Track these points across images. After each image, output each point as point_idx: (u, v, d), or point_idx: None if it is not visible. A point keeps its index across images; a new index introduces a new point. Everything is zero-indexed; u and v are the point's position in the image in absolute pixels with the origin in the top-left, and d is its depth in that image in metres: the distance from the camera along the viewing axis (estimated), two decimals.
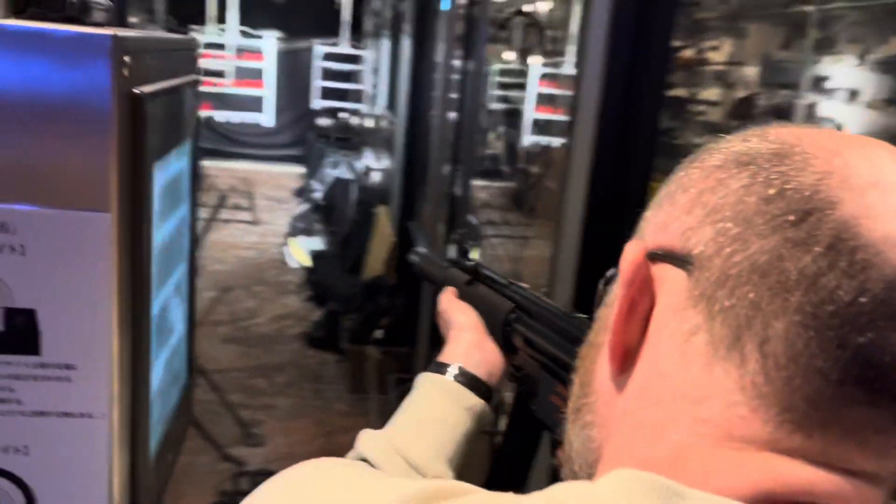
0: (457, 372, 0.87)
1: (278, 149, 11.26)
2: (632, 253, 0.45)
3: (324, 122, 10.11)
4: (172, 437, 0.81)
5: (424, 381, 0.88)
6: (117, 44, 0.54)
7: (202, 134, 10.00)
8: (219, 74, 8.30)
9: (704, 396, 0.40)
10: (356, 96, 10.15)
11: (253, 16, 10.33)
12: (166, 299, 0.75)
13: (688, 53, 5.25)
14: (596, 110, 1.90)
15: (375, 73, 8.28)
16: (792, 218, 0.38)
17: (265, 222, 8.42)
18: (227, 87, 6.71)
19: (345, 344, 4.73)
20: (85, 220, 0.54)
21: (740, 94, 5.08)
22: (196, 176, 0.86)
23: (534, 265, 5.32)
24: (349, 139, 9.50)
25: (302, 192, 7.88)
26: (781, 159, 0.41)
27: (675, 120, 5.23)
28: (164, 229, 0.71)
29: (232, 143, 11.11)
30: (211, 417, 4.09)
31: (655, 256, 0.44)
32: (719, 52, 5.21)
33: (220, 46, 7.64)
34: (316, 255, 6.21)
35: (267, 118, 6.37)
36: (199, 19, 9.19)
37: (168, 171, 0.69)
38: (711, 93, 5.29)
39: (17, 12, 0.58)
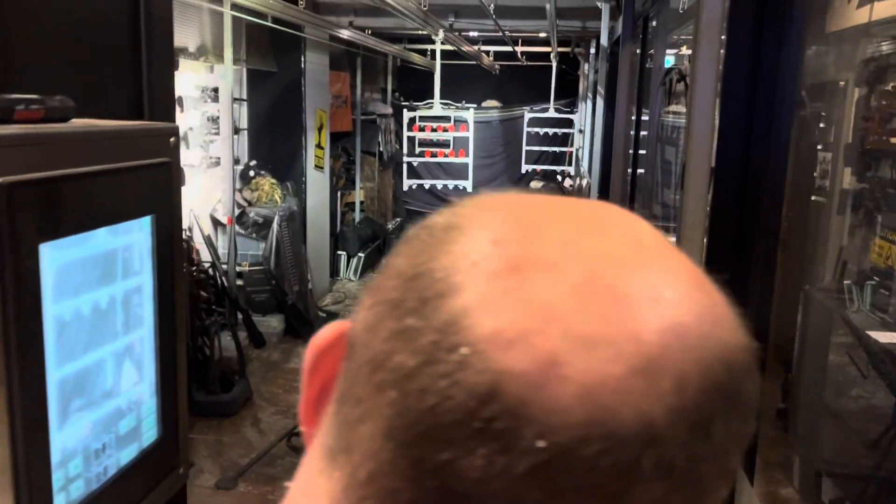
0: None
1: None
2: (321, 334, 0.38)
3: (536, 184, 10.31)
4: (119, 496, 0.87)
5: None
6: None
7: (422, 198, 10.57)
8: (439, 145, 8.86)
9: None
10: (570, 159, 10.24)
11: (472, 88, 10.92)
12: (96, 364, 0.82)
13: None
14: (707, 159, 1.78)
15: (581, 134, 8.32)
16: (414, 304, 0.31)
17: None
18: (435, 157, 7.12)
19: None
20: None
21: None
22: (166, 247, 0.93)
23: None
24: None
25: None
26: (444, 233, 0.34)
27: None
28: (82, 301, 0.78)
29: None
30: None
31: None
32: None
33: (440, 119, 8.09)
34: None
35: (469, 183, 6.66)
36: (424, 95, 9.91)
37: (86, 247, 0.78)
38: None
39: None
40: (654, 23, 3.58)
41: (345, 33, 7.07)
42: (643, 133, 3.93)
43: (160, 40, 1.13)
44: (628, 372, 0.28)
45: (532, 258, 0.31)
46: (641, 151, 3.96)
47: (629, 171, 4.05)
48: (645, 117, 3.91)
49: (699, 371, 0.30)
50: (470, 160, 6.66)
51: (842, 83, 6.24)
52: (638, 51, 3.90)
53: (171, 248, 0.93)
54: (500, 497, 0.28)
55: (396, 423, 0.30)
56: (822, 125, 5.41)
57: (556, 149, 10.13)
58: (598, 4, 5.54)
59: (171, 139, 0.96)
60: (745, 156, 1.80)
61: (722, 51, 1.78)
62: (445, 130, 6.57)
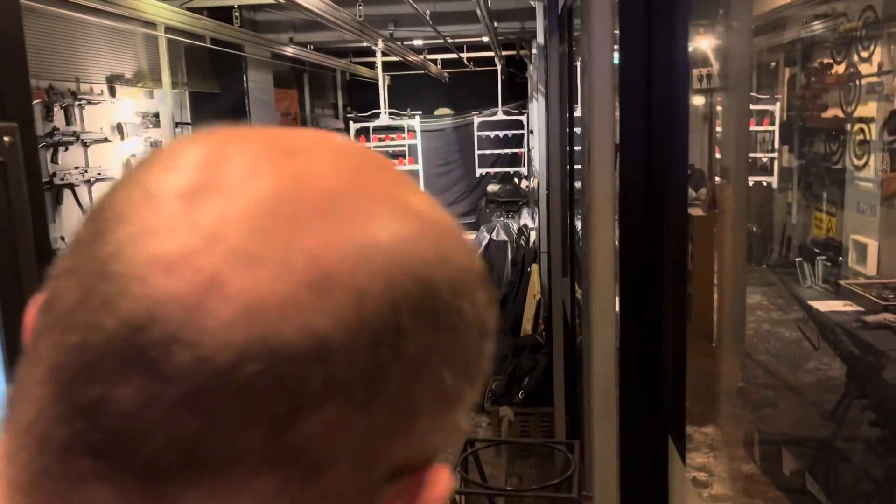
0: None
1: (456, 218, 11.68)
2: (38, 294, 0.34)
3: (493, 187, 10.37)
4: None
5: None
6: None
7: None
8: (394, 156, 8.87)
9: None
10: (523, 160, 10.32)
11: (424, 98, 10.97)
12: None
13: (839, 70, 4.76)
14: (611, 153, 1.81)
15: (532, 135, 8.40)
16: (87, 239, 0.30)
17: None
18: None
19: (489, 406, 4.69)
20: None
21: None
22: (7, 248, 0.92)
23: None
24: (517, 201, 9.64)
25: None
26: (137, 168, 0.32)
27: (833, 143, 4.72)
28: None
29: None
30: None
31: None
32: (871, 63, 4.66)
33: (390, 130, 8.10)
34: None
35: None
36: (376, 108, 9.93)
37: None
38: (869, 109, 4.72)
39: None
40: (577, 19, 3.63)
41: (289, 50, 7.06)
42: (578, 129, 3.97)
43: (8, 47, 1.11)
44: (297, 287, 0.27)
45: (209, 183, 0.29)
46: (577, 148, 4.00)
47: (567, 167, 4.09)
48: (580, 113, 3.95)
49: (384, 286, 0.29)
50: (420, 167, 6.69)
51: (772, 64, 6.40)
52: (566, 46, 3.94)
53: (14, 248, 0.92)
54: (154, 430, 0.26)
55: (54, 364, 0.28)
56: (757, 107, 5.54)
57: (509, 151, 10.21)
58: (532, 3, 5.60)
59: (7, 138, 0.95)
60: (647, 130, 1.82)
61: (615, 42, 1.81)
62: (393, 139, 6.60)
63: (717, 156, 6.04)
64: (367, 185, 0.32)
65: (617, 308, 1.95)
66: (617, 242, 1.92)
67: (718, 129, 6.17)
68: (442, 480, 0.33)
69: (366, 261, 0.28)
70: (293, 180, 0.30)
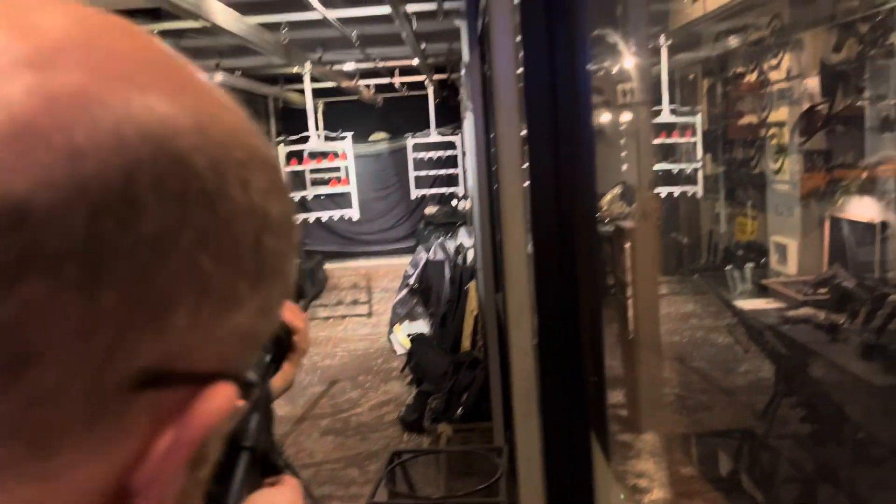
0: None
1: (395, 242, 11.67)
2: None
3: (430, 210, 10.40)
4: None
5: None
6: None
7: (323, 238, 10.46)
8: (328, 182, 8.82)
9: None
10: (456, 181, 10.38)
11: (359, 123, 10.95)
12: None
13: (752, 78, 4.93)
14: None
15: (464, 156, 8.46)
16: None
17: (380, 313, 8.64)
18: (326, 188, 7.07)
19: (428, 424, 4.64)
20: None
21: (805, 108, 4.69)
22: None
23: None
24: (454, 222, 9.67)
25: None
26: None
27: (751, 149, 4.87)
28: None
29: (353, 243, 11.65)
30: None
31: None
32: (780, 69, 4.85)
33: (321, 154, 8.02)
34: (414, 339, 6.24)
35: (355, 212, 6.62)
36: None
37: None
38: (781, 113, 4.90)
39: None
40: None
41: (217, 76, 6.96)
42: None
43: None
44: None
45: None
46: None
47: (494, 185, 4.11)
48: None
49: (113, 149, 0.25)
50: (353, 189, 6.64)
51: (691, 76, 6.62)
52: (487, 66, 3.98)
53: None
54: None
55: None
56: (680, 119, 5.70)
57: (444, 171, 10.27)
58: (457, 23, 5.66)
59: None
60: (554, 139, 1.84)
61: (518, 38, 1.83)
62: (324, 160, 6.56)
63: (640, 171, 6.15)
64: (108, 46, 0.28)
65: (533, 306, 1.95)
66: (529, 235, 1.92)
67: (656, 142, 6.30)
68: (220, 395, 0.29)
69: (87, 118, 0.25)
70: (5, 33, 0.26)
